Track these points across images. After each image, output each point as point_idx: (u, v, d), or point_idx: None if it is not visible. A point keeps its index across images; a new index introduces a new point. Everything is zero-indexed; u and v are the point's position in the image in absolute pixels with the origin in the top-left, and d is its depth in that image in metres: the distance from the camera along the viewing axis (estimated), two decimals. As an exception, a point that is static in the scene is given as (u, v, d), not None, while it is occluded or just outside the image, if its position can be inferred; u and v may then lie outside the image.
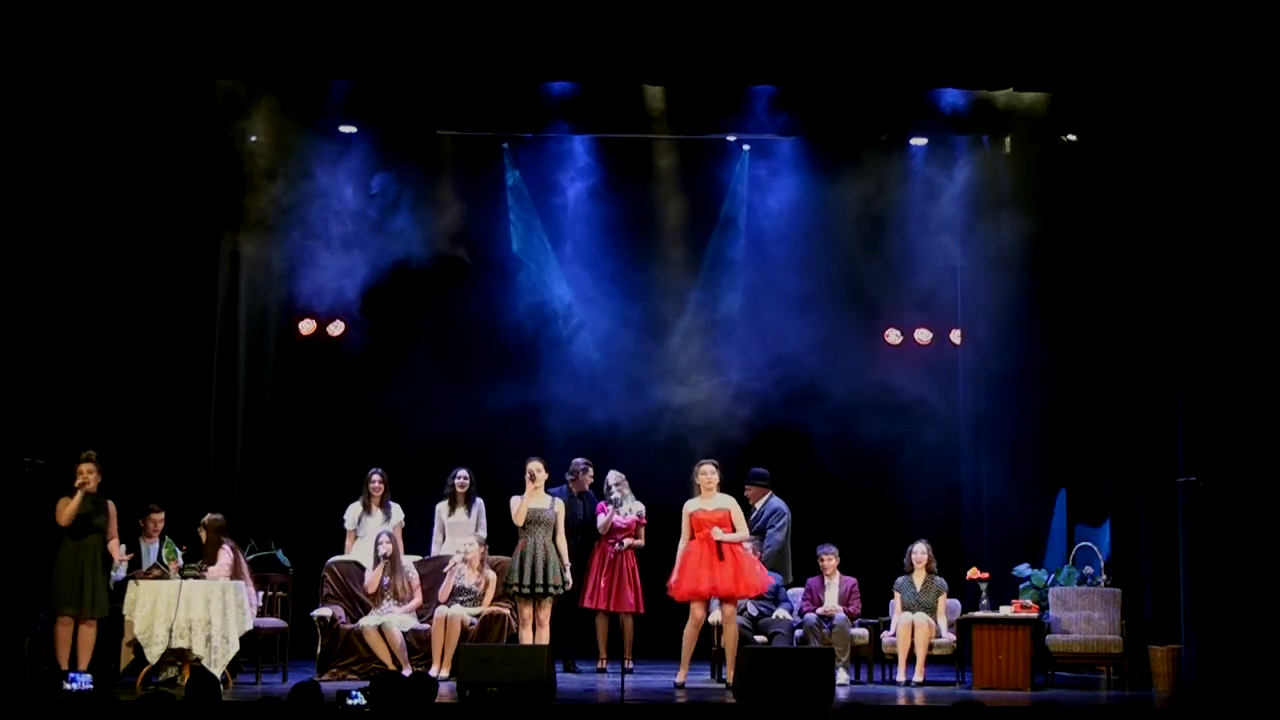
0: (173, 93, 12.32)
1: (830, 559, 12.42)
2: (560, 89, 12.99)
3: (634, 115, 13.35)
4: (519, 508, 11.88)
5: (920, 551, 12.39)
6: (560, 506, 12.05)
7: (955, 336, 14.34)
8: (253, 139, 13.11)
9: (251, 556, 12.25)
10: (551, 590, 11.78)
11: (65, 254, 12.20)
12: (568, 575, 11.94)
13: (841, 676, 11.65)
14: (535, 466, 11.98)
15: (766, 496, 12.71)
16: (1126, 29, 12.07)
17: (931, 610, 12.22)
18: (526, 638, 11.73)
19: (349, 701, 8.42)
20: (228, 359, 13.42)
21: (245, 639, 11.25)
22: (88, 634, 11.02)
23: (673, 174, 14.16)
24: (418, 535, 12.91)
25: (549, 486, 12.22)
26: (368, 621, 11.95)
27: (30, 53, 11.84)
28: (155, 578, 11.17)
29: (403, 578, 12.18)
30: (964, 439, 14.05)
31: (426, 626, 12.01)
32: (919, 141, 13.85)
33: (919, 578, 12.36)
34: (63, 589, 10.95)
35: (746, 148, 14.30)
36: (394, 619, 11.95)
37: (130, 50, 11.90)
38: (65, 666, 10.72)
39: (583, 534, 12.79)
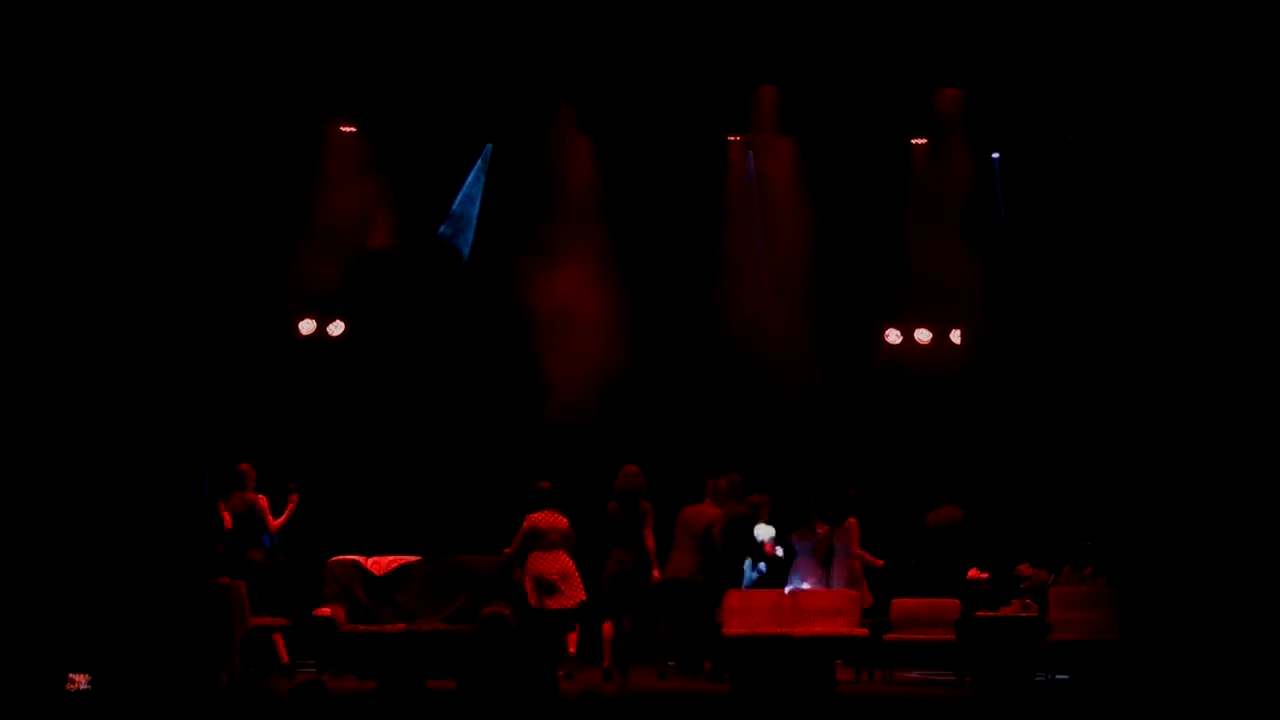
0: (170, 92, 12.34)
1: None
2: (563, 89, 13.06)
3: (634, 114, 13.41)
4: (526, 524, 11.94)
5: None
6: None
7: (955, 336, 14.36)
8: (250, 137, 13.15)
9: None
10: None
11: (64, 254, 12.21)
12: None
13: None
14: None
15: None
16: (1127, 30, 12.10)
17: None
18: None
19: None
20: (228, 359, 13.43)
21: (245, 639, 11.27)
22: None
23: (673, 174, 14.20)
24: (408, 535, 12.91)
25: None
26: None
27: (30, 52, 11.86)
28: None
29: None
30: (963, 438, 14.06)
31: None
32: (919, 141, 13.90)
33: None
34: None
35: (750, 152, 14.34)
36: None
37: (126, 49, 11.90)
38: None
39: None
